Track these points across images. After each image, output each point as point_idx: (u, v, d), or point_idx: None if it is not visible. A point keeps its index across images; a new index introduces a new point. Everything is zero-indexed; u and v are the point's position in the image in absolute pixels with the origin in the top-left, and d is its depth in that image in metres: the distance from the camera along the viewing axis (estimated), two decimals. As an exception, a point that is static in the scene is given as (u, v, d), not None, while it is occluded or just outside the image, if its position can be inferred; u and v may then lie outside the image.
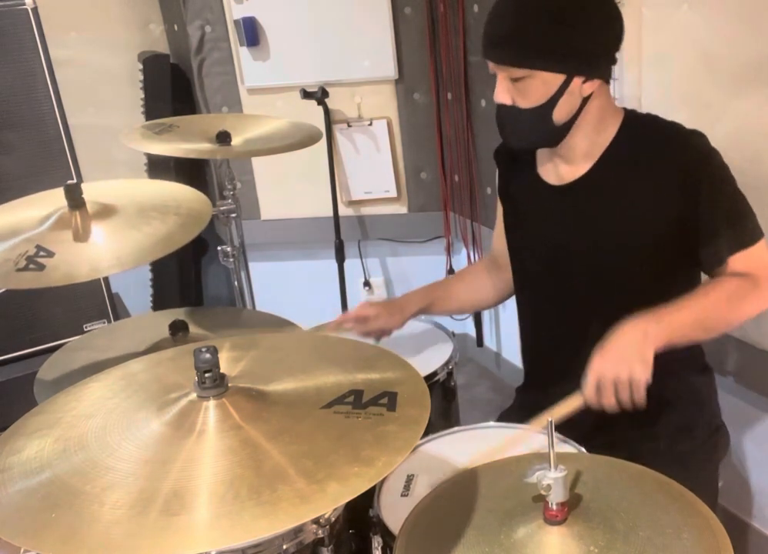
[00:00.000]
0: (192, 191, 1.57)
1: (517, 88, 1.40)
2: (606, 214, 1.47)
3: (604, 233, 1.48)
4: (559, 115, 1.41)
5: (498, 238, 1.75)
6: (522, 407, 1.73)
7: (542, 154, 1.57)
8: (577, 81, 1.38)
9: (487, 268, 1.80)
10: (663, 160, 1.42)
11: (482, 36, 1.42)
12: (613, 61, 1.43)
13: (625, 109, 1.51)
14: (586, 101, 1.42)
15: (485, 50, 1.42)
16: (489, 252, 1.85)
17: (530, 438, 1.35)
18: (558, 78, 1.37)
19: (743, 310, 1.41)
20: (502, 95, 1.42)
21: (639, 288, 1.48)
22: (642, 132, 1.47)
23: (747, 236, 1.41)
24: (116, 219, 1.43)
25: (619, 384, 1.29)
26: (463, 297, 1.80)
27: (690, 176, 1.39)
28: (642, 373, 1.29)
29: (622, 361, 1.30)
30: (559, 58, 1.36)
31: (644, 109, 1.93)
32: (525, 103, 1.40)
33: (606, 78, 1.43)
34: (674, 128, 1.46)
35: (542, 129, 1.43)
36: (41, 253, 1.34)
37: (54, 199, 1.46)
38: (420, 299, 1.72)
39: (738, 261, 1.41)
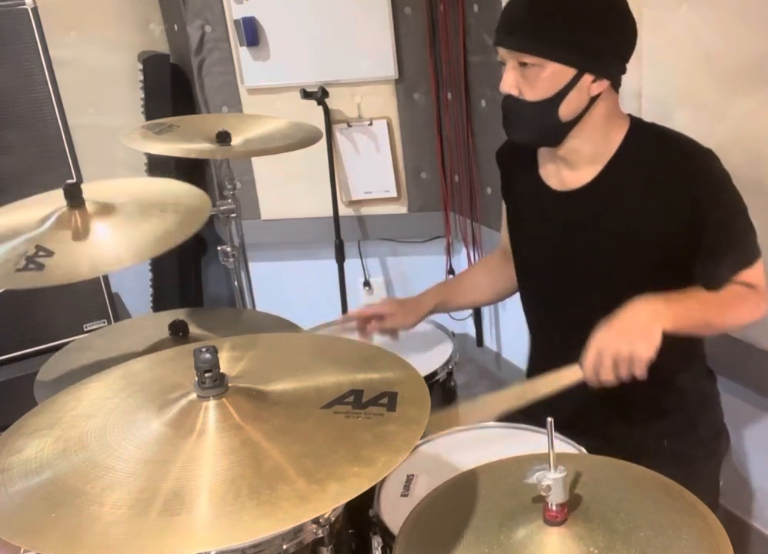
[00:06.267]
0: (190, 188, 1.57)
1: (525, 78, 1.38)
2: (608, 224, 1.46)
3: (606, 243, 1.47)
4: (566, 111, 1.39)
5: (505, 232, 1.74)
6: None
7: (543, 156, 1.55)
8: (587, 78, 1.37)
9: (497, 260, 1.80)
10: (674, 179, 1.40)
11: (498, 25, 1.41)
12: (623, 68, 1.43)
13: (630, 116, 1.49)
14: (593, 101, 1.40)
15: (499, 37, 1.41)
16: (498, 244, 1.84)
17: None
18: (568, 72, 1.36)
19: (741, 314, 1.42)
20: (509, 85, 1.40)
21: (639, 292, 1.48)
22: (652, 145, 1.44)
23: (748, 257, 1.42)
24: (115, 217, 1.43)
25: (619, 359, 1.27)
26: (474, 290, 1.82)
27: (701, 199, 1.38)
28: (646, 351, 1.27)
29: (627, 336, 1.28)
30: (572, 51, 1.35)
31: (644, 109, 1.93)
32: (532, 95, 1.39)
33: (614, 81, 1.42)
34: (687, 145, 1.43)
35: (547, 124, 1.41)
36: (41, 253, 1.34)
37: (54, 199, 1.46)
38: (434, 297, 1.75)
39: (739, 279, 1.41)
